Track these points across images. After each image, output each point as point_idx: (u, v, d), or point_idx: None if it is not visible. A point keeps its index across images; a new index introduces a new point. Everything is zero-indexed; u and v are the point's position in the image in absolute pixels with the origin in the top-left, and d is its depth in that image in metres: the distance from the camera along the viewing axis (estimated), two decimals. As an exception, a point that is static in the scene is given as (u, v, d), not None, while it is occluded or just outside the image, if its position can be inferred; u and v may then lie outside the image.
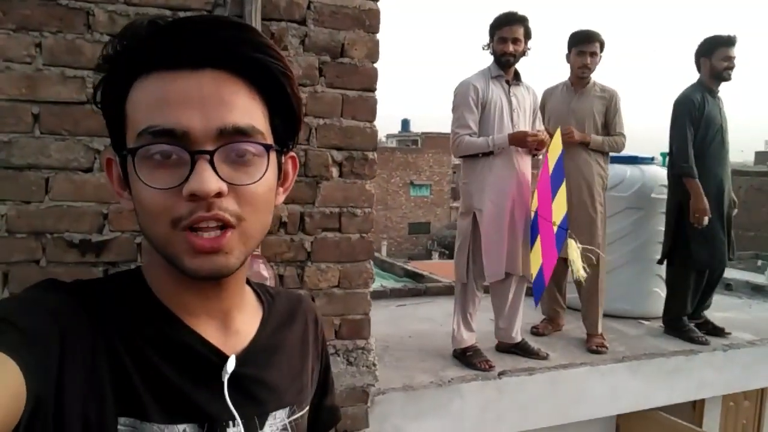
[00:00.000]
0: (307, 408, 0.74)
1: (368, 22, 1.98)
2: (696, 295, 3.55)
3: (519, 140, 2.86)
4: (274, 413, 0.67)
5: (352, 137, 1.99)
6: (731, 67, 3.39)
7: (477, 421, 2.59)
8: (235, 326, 0.66)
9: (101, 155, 1.75)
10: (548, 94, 3.54)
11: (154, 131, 0.55)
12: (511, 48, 2.90)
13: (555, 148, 2.98)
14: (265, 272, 1.66)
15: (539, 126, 3.14)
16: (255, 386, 0.65)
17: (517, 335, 3.07)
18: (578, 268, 2.95)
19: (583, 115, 3.34)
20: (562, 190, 2.96)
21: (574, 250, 2.87)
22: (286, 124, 0.63)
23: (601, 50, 3.33)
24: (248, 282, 0.72)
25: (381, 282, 5.35)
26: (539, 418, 2.75)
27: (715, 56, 3.38)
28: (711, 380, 3.20)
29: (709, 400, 3.39)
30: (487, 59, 3.04)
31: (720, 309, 4.21)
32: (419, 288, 4.60)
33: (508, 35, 2.91)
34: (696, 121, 3.36)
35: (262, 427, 0.65)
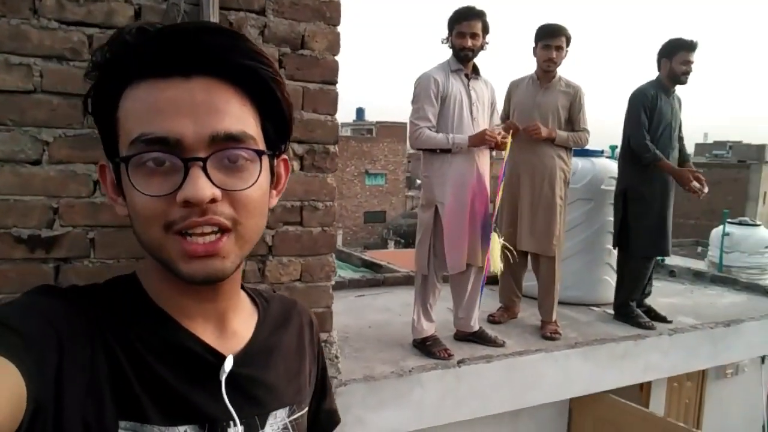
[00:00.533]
0: (307, 408, 0.75)
1: (329, 14, 1.96)
2: (644, 281, 3.69)
3: (479, 141, 2.89)
4: (274, 413, 0.68)
5: (313, 130, 1.97)
6: (688, 72, 3.49)
7: (437, 410, 2.64)
8: (232, 328, 0.67)
9: (58, 145, 1.67)
10: (514, 86, 3.56)
11: (146, 139, 0.55)
12: (469, 43, 2.92)
13: (507, 151, 3.03)
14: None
15: (496, 120, 3.19)
16: (254, 386, 0.66)
17: (475, 324, 3.14)
18: (495, 261, 2.88)
19: (547, 110, 3.37)
20: (500, 188, 3.06)
21: (496, 243, 2.84)
22: (277, 128, 0.64)
23: (567, 44, 3.34)
24: (242, 287, 0.73)
25: (339, 272, 5.34)
26: (497, 404, 2.82)
27: (675, 59, 3.47)
28: (657, 363, 3.36)
29: (655, 381, 3.56)
30: (446, 51, 3.06)
31: (664, 295, 4.41)
32: (377, 278, 4.62)
33: (466, 30, 2.92)
34: (648, 114, 3.48)
35: (263, 427, 0.66)
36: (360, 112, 38.20)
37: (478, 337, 3.12)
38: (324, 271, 2.02)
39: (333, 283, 2.05)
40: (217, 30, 0.57)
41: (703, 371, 3.90)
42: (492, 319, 3.56)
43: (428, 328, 2.99)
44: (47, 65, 1.66)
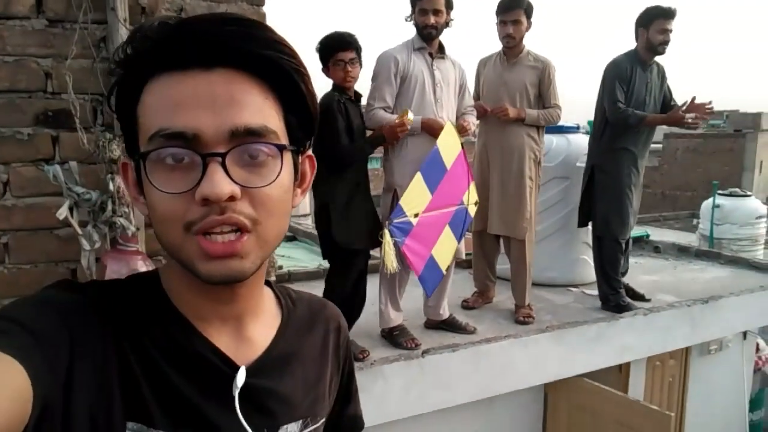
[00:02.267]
0: (323, 420, 0.72)
1: (253, -7, 1.85)
2: (619, 259, 3.52)
3: (432, 128, 2.77)
4: (285, 426, 0.65)
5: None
6: (666, 41, 3.31)
7: (400, 402, 2.57)
8: (248, 333, 0.65)
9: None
10: (482, 64, 3.44)
11: (165, 134, 0.53)
12: (432, 20, 2.80)
13: (449, 140, 2.81)
14: (144, 269, 1.54)
15: (468, 101, 3.06)
16: (267, 398, 0.64)
17: (445, 312, 3.07)
18: (389, 261, 2.65)
19: (515, 88, 3.23)
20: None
21: (387, 240, 2.60)
22: (301, 121, 0.60)
23: (528, 17, 3.16)
24: (271, 286, 0.71)
25: (319, 261, 5.25)
26: (463, 393, 2.75)
27: (652, 28, 3.28)
28: (633, 344, 3.28)
29: (635, 362, 3.48)
30: (411, 29, 2.93)
31: (646, 272, 4.34)
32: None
33: (428, 6, 2.80)
34: (623, 87, 3.33)
35: None
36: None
37: (449, 325, 3.05)
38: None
39: (273, 278, 1.96)
40: (237, 20, 0.55)
41: (687, 348, 3.83)
42: (466, 305, 3.48)
43: (396, 318, 2.92)
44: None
